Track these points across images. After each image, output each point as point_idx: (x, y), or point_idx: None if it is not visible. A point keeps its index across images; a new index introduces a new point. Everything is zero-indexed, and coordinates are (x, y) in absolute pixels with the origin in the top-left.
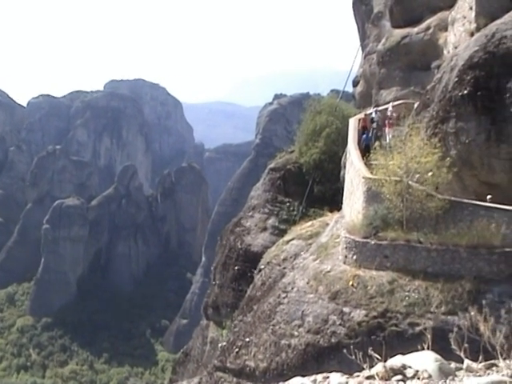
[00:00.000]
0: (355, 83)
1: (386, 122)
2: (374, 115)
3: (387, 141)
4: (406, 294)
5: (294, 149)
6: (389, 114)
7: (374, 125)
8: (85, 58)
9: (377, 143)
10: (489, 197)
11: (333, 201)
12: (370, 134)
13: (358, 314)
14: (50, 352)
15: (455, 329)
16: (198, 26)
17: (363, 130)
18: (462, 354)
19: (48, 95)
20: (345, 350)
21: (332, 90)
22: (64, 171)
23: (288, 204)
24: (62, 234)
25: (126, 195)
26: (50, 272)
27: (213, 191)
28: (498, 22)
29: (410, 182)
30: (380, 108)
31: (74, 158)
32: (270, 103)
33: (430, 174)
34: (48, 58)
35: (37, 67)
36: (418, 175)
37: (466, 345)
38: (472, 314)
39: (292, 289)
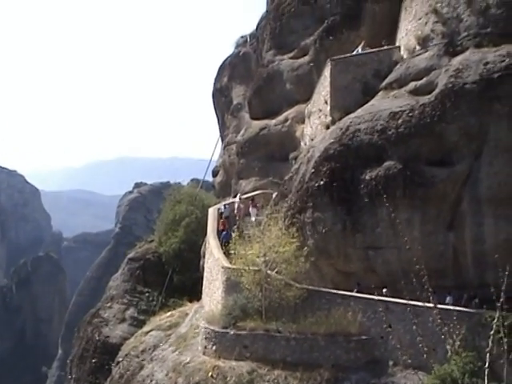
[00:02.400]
0: (215, 173)
1: (250, 201)
2: (223, 210)
3: (253, 219)
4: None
5: (153, 238)
6: (236, 206)
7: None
8: None
9: (235, 233)
10: (384, 290)
11: (193, 290)
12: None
13: None
14: None
15: None
16: (54, 113)
17: (223, 228)
18: None
19: None
20: None
21: (192, 180)
22: None
23: (147, 294)
24: None
25: None
26: None
27: (71, 281)
28: (351, 115)
29: (268, 272)
30: (232, 200)
31: None
32: (130, 192)
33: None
34: None
35: None
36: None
37: None
38: None
39: (151, 381)
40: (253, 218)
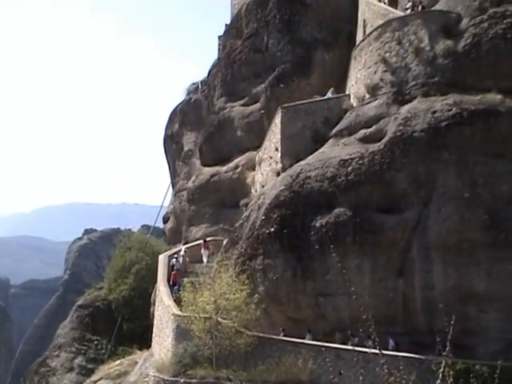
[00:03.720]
0: (166, 219)
1: (202, 242)
2: (174, 262)
3: (204, 262)
4: None
5: (103, 285)
6: (181, 259)
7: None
8: None
9: (186, 279)
10: (337, 336)
11: (142, 338)
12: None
13: None
14: None
15: None
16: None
17: (174, 281)
18: None
19: None
20: None
21: (143, 226)
22: None
23: (96, 342)
24: None
25: None
26: None
27: (18, 329)
28: (302, 162)
29: (219, 319)
30: (183, 250)
31: None
32: (80, 238)
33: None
34: None
35: None
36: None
37: None
38: None
39: None
40: (205, 259)
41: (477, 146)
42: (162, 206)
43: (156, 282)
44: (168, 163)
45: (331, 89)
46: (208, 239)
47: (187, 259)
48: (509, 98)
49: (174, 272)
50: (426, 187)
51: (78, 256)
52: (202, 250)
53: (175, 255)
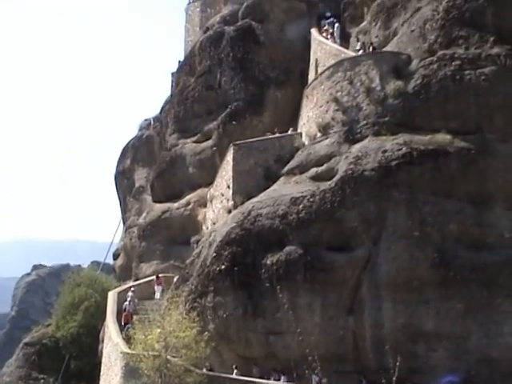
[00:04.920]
0: (116, 256)
1: (155, 278)
2: (126, 305)
3: (157, 297)
4: None
5: (51, 322)
6: (128, 300)
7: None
8: None
9: (135, 317)
10: (234, 366)
11: (90, 376)
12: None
13: None
14: None
15: None
16: None
17: (126, 322)
18: None
19: None
20: None
21: (93, 262)
22: None
23: (43, 381)
24: None
25: None
26: None
27: None
28: (253, 200)
29: (168, 357)
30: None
31: None
32: (28, 274)
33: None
34: None
35: None
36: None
37: None
38: None
39: None
40: (158, 295)
41: (426, 186)
42: (112, 242)
43: (105, 319)
44: (119, 199)
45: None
46: (161, 275)
47: (136, 300)
48: (457, 138)
49: (125, 313)
50: (376, 226)
51: (26, 292)
52: (156, 286)
53: (127, 297)
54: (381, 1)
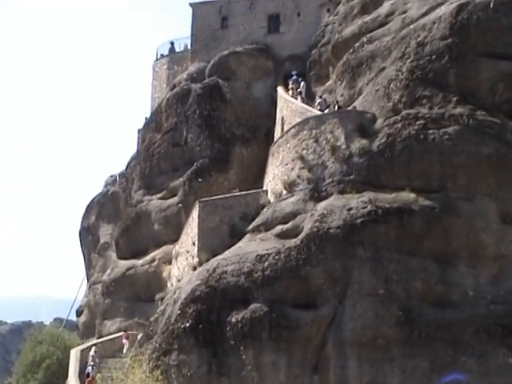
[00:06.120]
0: (79, 313)
1: (123, 333)
2: (90, 370)
3: (124, 351)
4: None
5: (11, 381)
6: (91, 363)
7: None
8: None
9: (98, 375)
10: None
11: None
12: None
13: None
14: None
15: None
16: None
17: None
18: None
19: None
20: None
21: (55, 319)
22: None
23: None
24: None
25: None
26: None
27: None
28: (219, 257)
29: None
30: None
31: None
32: None
33: None
34: None
35: None
36: None
37: None
38: None
39: None
40: (125, 349)
41: (391, 243)
42: (75, 298)
43: (67, 377)
44: (83, 255)
45: None
46: (126, 333)
47: (97, 360)
48: (422, 196)
49: (88, 379)
50: (342, 283)
51: None
52: (124, 341)
53: (90, 358)
54: (346, 60)
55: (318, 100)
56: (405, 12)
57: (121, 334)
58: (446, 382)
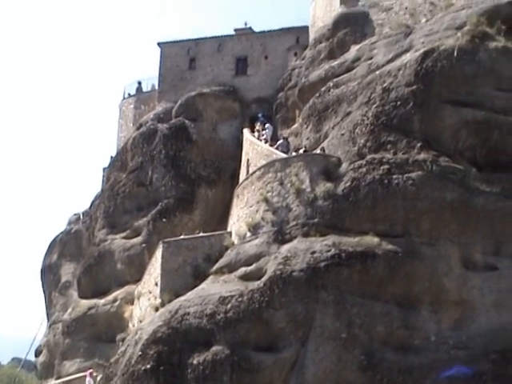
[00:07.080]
0: (38, 352)
1: (88, 372)
2: None
3: None
4: None
5: None
6: None
7: None
8: None
9: None
10: None
11: None
12: None
13: None
14: None
15: None
16: None
17: None
18: None
19: None
20: None
21: (13, 359)
22: None
23: None
24: None
25: None
26: None
27: None
28: (181, 298)
29: None
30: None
31: None
32: None
33: None
34: None
35: None
36: None
37: None
38: None
39: None
40: None
41: (354, 287)
42: (34, 338)
43: None
44: (44, 293)
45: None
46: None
47: None
48: (385, 241)
49: None
50: (304, 327)
51: None
52: (88, 378)
53: None
54: (312, 104)
55: (280, 141)
56: (371, 58)
57: (85, 373)
58: (448, 376)
